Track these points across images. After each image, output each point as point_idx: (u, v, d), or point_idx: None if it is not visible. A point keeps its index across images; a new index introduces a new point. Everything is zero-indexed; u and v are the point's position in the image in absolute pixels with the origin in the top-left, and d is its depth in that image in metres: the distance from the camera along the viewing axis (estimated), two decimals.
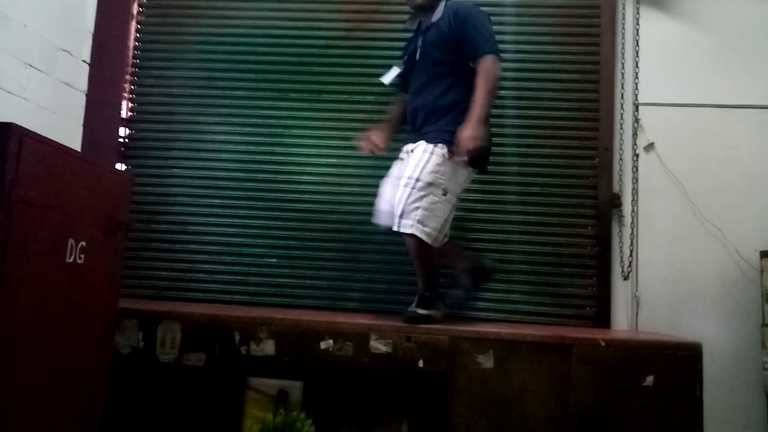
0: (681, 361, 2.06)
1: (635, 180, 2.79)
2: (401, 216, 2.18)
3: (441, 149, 2.21)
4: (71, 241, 1.63)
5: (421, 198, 2.17)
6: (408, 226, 2.16)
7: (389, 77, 2.49)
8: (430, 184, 2.18)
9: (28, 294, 1.47)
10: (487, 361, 2.09)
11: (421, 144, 2.26)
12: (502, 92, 2.83)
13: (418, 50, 2.39)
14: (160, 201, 2.89)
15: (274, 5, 3.00)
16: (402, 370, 2.13)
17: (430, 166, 2.20)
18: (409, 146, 2.36)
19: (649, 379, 2.05)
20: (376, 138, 2.45)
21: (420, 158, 2.22)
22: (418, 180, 2.18)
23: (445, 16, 2.35)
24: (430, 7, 2.41)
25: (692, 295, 2.70)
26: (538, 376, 2.08)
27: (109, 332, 1.98)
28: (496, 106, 2.81)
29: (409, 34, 2.59)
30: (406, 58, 2.47)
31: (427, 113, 2.32)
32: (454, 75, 2.32)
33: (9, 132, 1.36)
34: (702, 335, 2.43)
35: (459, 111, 2.24)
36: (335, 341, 2.13)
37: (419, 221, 2.16)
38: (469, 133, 2.13)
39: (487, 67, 2.21)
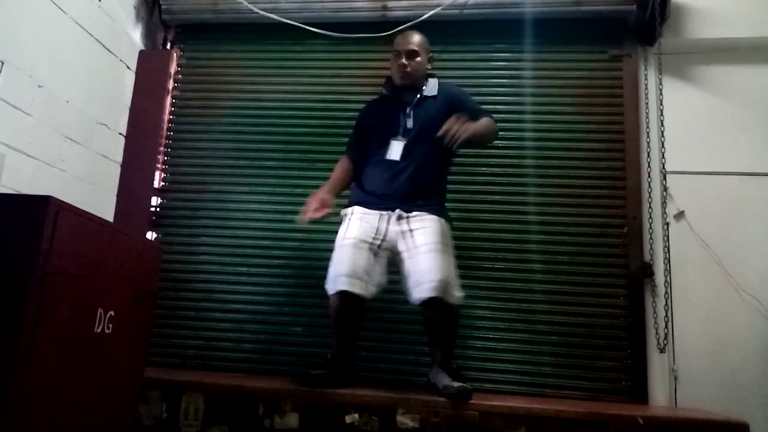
0: None
1: (666, 249, 2.74)
2: (449, 284, 2.18)
3: (446, 225, 2.35)
4: (100, 311, 1.64)
5: (453, 265, 2.26)
6: (456, 297, 2.22)
7: (396, 153, 2.39)
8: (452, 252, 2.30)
9: (56, 363, 1.47)
10: None
11: (427, 215, 2.30)
12: (528, 162, 2.85)
13: (409, 120, 2.44)
14: (187, 269, 2.92)
15: (302, 79, 3.11)
16: None
17: (449, 236, 2.33)
18: (399, 212, 2.32)
19: None
20: (324, 200, 2.34)
21: (439, 227, 2.28)
22: (447, 246, 2.26)
23: (443, 93, 2.48)
24: (420, 83, 2.50)
25: (734, 368, 2.58)
26: None
27: (134, 403, 1.95)
28: (524, 176, 2.85)
29: (357, 101, 2.78)
30: (401, 130, 2.43)
31: (423, 190, 2.36)
32: (444, 157, 2.44)
33: (47, 205, 1.40)
34: (747, 412, 2.29)
35: (443, 198, 2.47)
36: (361, 415, 2.06)
37: (458, 287, 2.25)
38: (468, 125, 2.22)
39: (489, 120, 2.41)
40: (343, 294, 2.23)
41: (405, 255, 2.28)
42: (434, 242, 2.22)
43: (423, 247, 2.23)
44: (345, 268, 2.23)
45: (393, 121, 2.47)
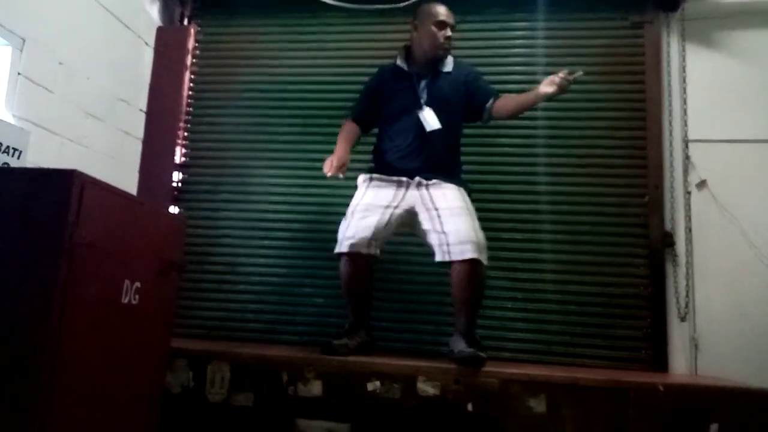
0: (748, 410, 1.94)
1: (688, 218, 2.71)
2: (480, 246, 2.20)
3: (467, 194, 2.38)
4: (127, 282, 1.68)
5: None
6: (485, 257, 2.23)
7: (433, 125, 2.38)
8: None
9: (85, 334, 1.51)
10: (538, 406, 2.02)
11: (447, 183, 2.32)
12: (548, 132, 2.83)
13: (424, 94, 2.43)
14: (210, 242, 2.97)
15: (320, 52, 3.11)
16: (451, 413, 2.08)
17: (471, 204, 2.33)
18: (419, 179, 2.35)
19: (713, 428, 1.94)
20: (342, 158, 2.39)
21: (460, 194, 2.31)
22: (472, 212, 2.29)
23: (460, 70, 2.48)
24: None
25: (755, 336, 2.57)
26: (593, 422, 1.99)
27: (161, 372, 2.01)
28: (544, 146, 2.83)
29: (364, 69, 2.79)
30: (424, 101, 2.42)
31: (441, 165, 2.38)
32: (459, 129, 2.50)
33: (72, 178, 1.43)
34: None
35: (460, 171, 2.48)
36: (382, 383, 2.10)
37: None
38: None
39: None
40: (348, 256, 2.30)
41: (424, 216, 2.30)
42: (461, 207, 2.26)
43: (449, 210, 2.25)
44: (351, 231, 2.31)
45: (410, 93, 2.45)
